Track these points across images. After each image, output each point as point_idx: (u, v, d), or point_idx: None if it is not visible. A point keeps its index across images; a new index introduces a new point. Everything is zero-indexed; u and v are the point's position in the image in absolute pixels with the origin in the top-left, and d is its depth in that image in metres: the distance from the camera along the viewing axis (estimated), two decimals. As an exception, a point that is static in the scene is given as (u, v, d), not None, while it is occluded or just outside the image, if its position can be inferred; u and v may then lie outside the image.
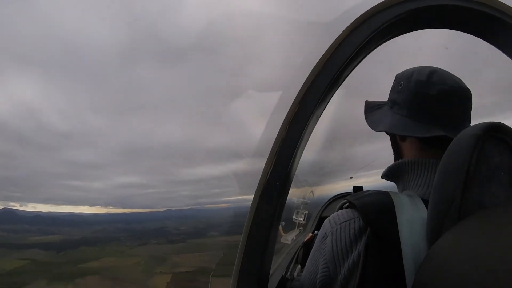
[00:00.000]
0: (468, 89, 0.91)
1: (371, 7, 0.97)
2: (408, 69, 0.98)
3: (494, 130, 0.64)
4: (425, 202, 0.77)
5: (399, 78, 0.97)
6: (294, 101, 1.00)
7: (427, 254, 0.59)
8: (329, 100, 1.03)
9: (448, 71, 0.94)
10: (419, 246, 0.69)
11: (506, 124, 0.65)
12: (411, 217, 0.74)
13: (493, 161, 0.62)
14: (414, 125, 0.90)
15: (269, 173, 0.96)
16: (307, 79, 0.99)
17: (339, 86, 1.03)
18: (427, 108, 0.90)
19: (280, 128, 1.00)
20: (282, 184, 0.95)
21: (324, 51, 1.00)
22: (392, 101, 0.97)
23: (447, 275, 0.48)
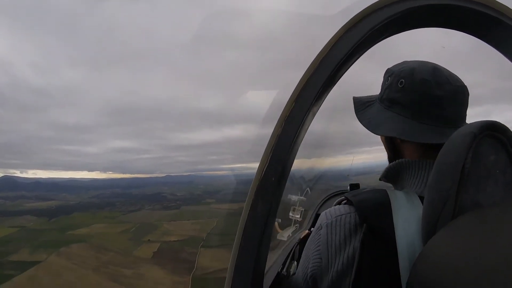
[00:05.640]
0: (466, 85, 0.89)
1: (367, 6, 0.95)
2: (403, 63, 0.94)
3: (490, 128, 0.63)
4: (422, 199, 0.77)
5: (396, 75, 0.91)
6: (290, 98, 0.99)
7: (421, 251, 0.60)
8: (325, 97, 1.03)
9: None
10: (414, 243, 0.71)
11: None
12: (407, 214, 0.75)
13: (489, 160, 0.62)
14: (422, 129, 0.86)
15: (264, 169, 0.97)
16: (303, 76, 0.98)
17: (335, 84, 1.02)
18: (435, 110, 0.86)
19: (276, 124, 1.00)
20: (278, 180, 0.96)
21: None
22: (390, 100, 0.92)
23: (441, 271, 0.49)
